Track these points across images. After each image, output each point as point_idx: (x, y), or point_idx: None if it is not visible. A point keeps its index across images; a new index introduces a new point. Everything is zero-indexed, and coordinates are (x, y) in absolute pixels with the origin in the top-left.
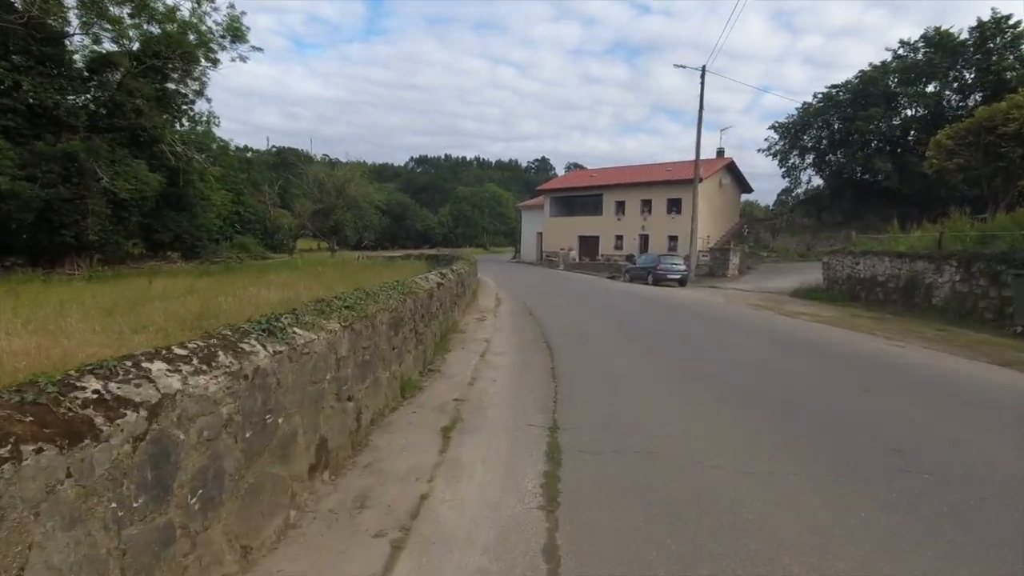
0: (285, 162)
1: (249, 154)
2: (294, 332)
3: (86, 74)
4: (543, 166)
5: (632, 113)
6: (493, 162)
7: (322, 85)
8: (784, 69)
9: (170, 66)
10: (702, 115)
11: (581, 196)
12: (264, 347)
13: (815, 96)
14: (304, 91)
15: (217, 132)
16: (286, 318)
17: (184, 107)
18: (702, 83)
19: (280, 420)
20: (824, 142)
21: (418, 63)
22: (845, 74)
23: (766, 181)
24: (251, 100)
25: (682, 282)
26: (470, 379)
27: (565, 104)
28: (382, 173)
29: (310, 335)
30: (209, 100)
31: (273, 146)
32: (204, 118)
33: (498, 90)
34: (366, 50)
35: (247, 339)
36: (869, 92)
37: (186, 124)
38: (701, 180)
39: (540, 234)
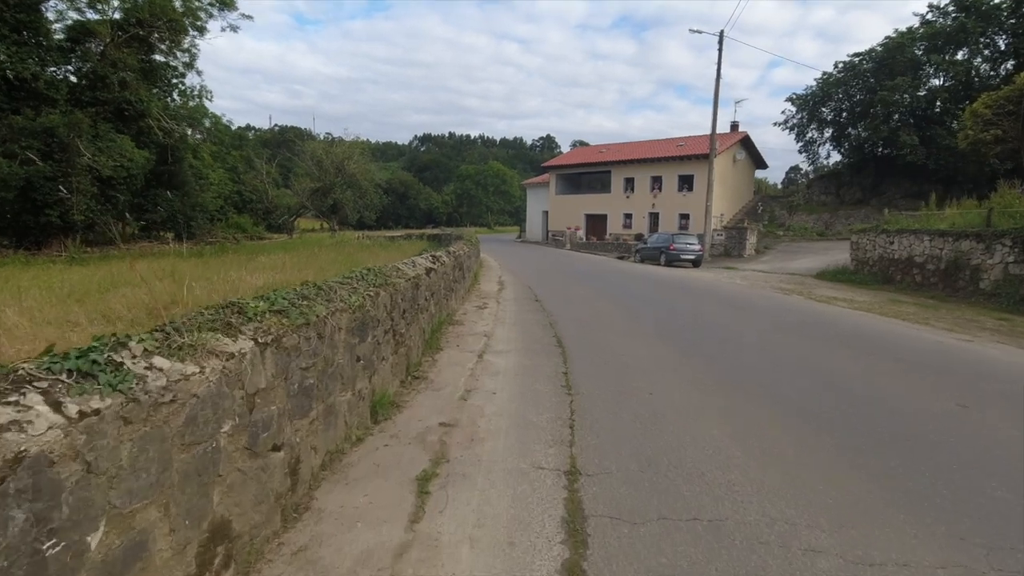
0: (286, 140)
1: (252, 134)
2: (146, 368)
3: (66, 44)
4: (548, 144)
5: (638, 90)
6: (497, 140)
7: (324, 62)
8: (794, 43)
9: (156, 36)
10: (719, 83)
11: (588, 173)
12: (59, 407)
13: (836, 65)
14: (307, 68)
15: (210, 107)
16: (139, 340)
17: (174, 81)
18: (720, 50)
19: (92, 537)
20: (844, 115)
21: (421, 39)
22: (856, 48)
23: (776, 158)
24: (253, 78)
25: (696, 263)
26: (463, 391)
27: (570, 81)
28: (386, 152)
29: (183, 368)
30: (200, 73)
31: (276, 124)
32: (196, 92)
33: (502, 66)
34: (369, 26)
35: (22, 393)
36: (895, 60)
37: (177, 99)
38: (716, 155)
39: (546, 213)
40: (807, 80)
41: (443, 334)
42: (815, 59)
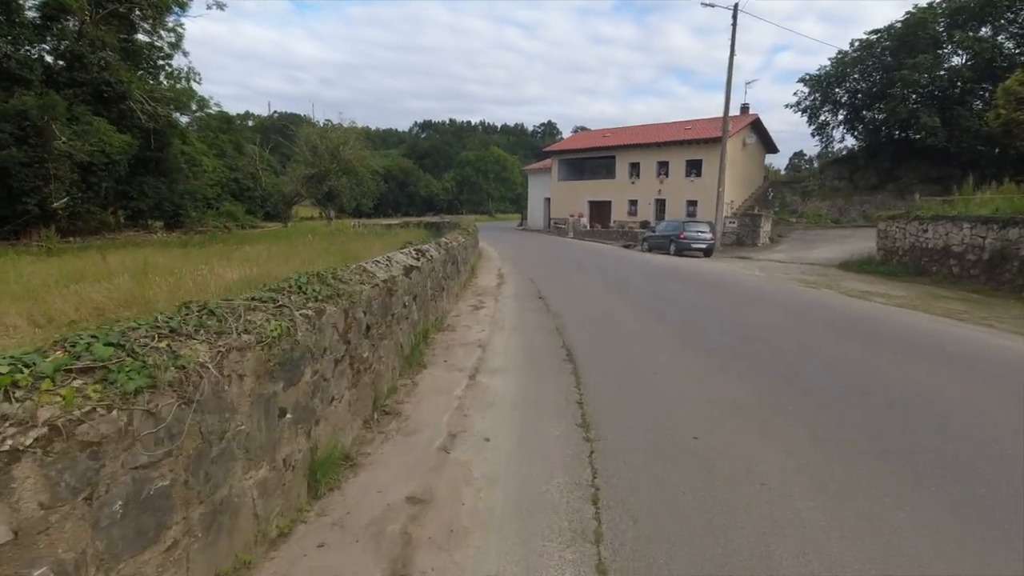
0: (284, 127)
1: (251, 121)
2: None
3: (39, 22)
4: (549, 130)
5: (641, 75)
6: (499, 127)
7: (324, 48)
8: (800, 27)
9: (137, 13)
10: (733, 60)
11: (592, 158)
12: None
13: (852, 44)
14: (306, 54)
15: (200, 90)
16: None
17: (160, 62)
18: (734, 24)
19: None
20: (860, 96)
21: (421, 24)
22: (862, 31)
23: (780, 143)
24: (251, 64)
25: (708, 252)
26: (446, 435)
27: (572, 66)
28: (386, 139)
29: None
30: (187, 54)
31: (275, 111)
32: (183, 74)
33: (504, 51)
34: (368, 11)
35: None
36: (917, 37)
37: (164, 81)
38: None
39: (548, 200)
40: (812, 65)
41: (429, 345)
42: (817, 44)
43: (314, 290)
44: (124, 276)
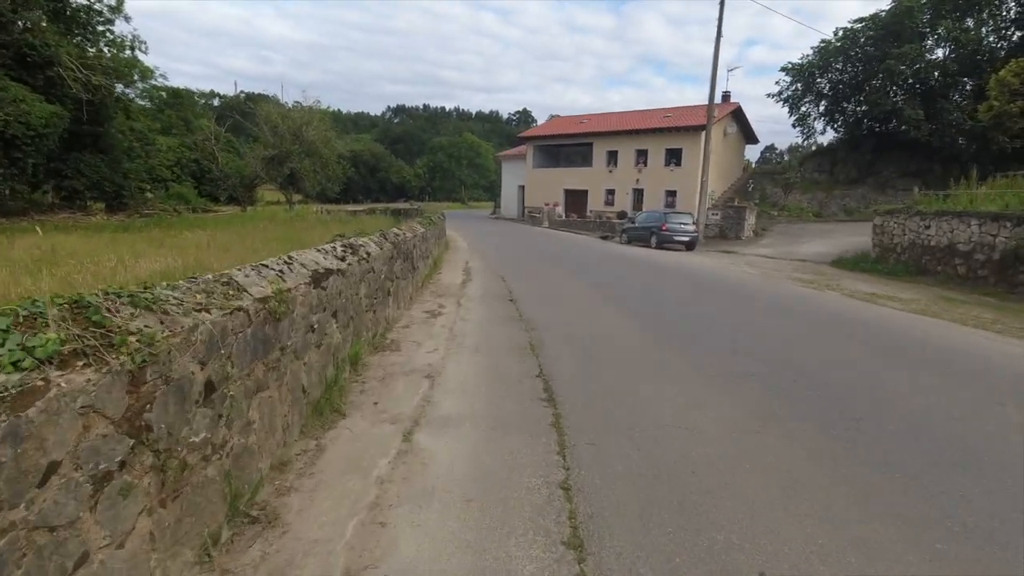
0: (247, 106)
1: (217, 100)
2: None
3: None
4: (524, 118)
5: (617, 65)
6: (473, 113)
7: (294, 27)
8: (771, 20)
9: None
10: (720, 40)
11: (568, 145)
12: None
13: (836, 33)
14: (276, 34)
15: (146, 60)
16: None
17: (100, 28)
18: (722, 2)
19: None
20: (842, 87)
21: (395, 5)
22: (830, 26)
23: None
24: (219, 41)
25: (690, 245)
26: None
27: (548, 54)
28: (358, 122)
29: None
30: (129, 19)
31: (242, 91)
32: (127, 42)
33: (479, 37)
34: None
35: None
36: (903, 26)
37: (104, 49)
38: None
39: (522, 187)
40: (783, 60)
41: (359, 374)
42: (790, 38)
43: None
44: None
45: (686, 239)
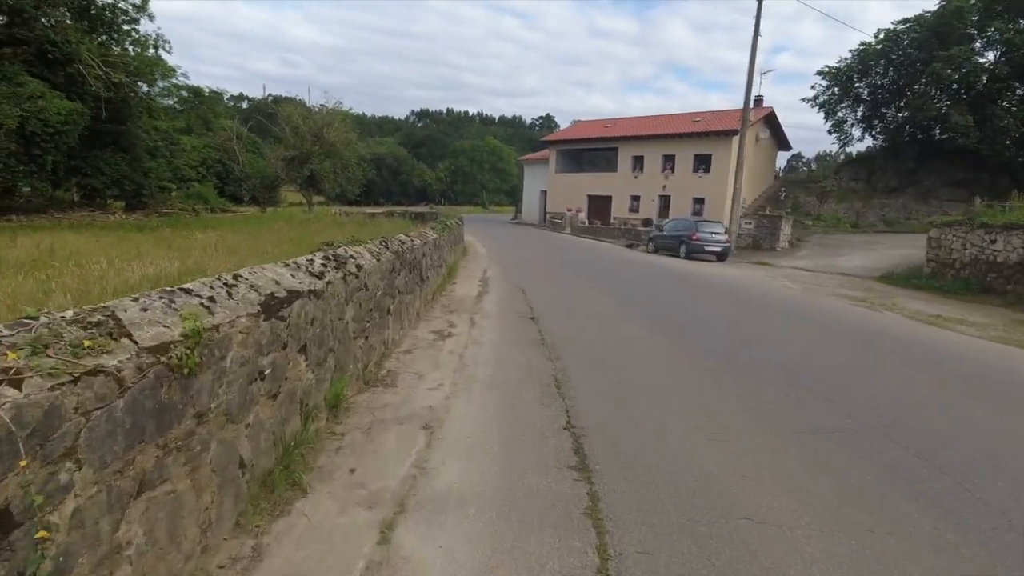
0: (268, 108)
1: (245, 103)
2: None
3: None
4: (547, 123)
5: (639, 70)
6: (496, 118)
7: (319, 31)
8: (799, 28)
9: None
10: (758, 30)
11: (592, 149)
12: None
13: (876, 35)
14: (300, 37)
15: (169, 60)
16: None
17: (125, 27)
18: None
19: None
20: (882, 91)
21: (417, 10)
22: (860, 35)
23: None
24: (244, 45)
25: (721, 256)
26: None
27: (570, 59)
28: (382, 126)
29: None
30: (152, 18)
31: (269, 94)
32: (151, 41)
33: (501, 41)
34: None
35: None
36: (951, 27)
37: (129, 48)
38: (737, 132)
39: (544, 192)
40: (812, 65)
41: (338, 421)
42: (819, 45)
43: None
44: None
45: (717, 249)
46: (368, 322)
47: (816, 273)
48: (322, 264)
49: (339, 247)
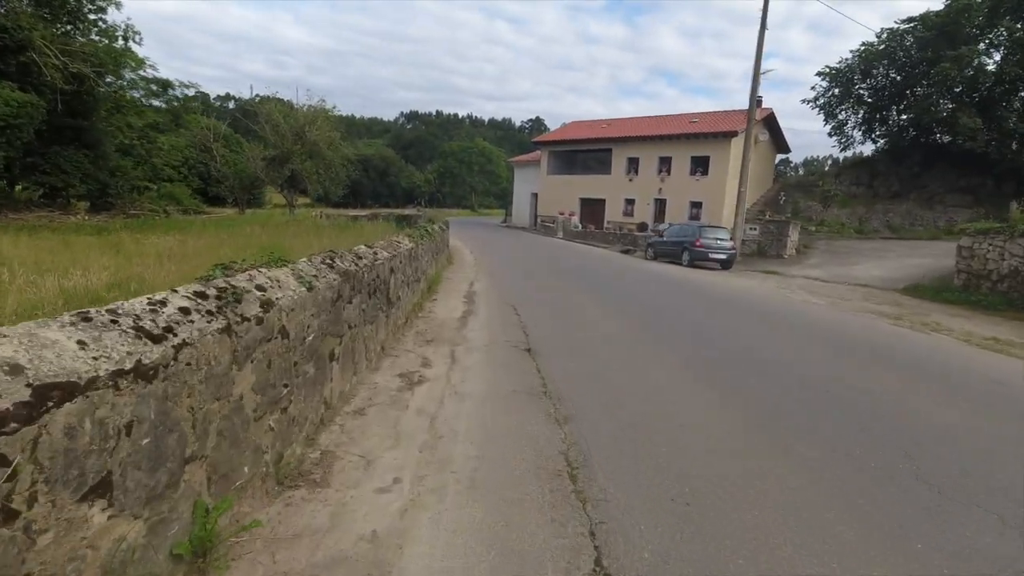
0: (250, 107)
1: (232, 103)
2: None
3: None
4: (537, 126)
5: (629, 75)
6: (486, 120)
7: (310, 33)
8: (787, 35)
9: None
10: (765, 23)
11: (586, 151)
12: None
13: (879, 34)
14: (292, 39)
15: (139, 52)
16: None
17: (91, 16)
18: None
19: None
20: (886, 93)
21: (410, 12)
22: (847, 43)
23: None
24: (237, 46)
25: (726, 264)
26: None
27: (561, 63)
28: (371, 128)
29: None
30: (119, 6)
31: (257, 94)
32: (119, 32)
33: (493, 45)
34: None
35: None
36: (959, 26)
37: (96, 39)
38: (736, 134)
39: (535, 195)
40: (800, 75)
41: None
42: (807, 52)
43: None
44: None
45: (723, 257)
46: (287, 385)
47: (833, 284)
48: (183, 308)
49: (241, 271)
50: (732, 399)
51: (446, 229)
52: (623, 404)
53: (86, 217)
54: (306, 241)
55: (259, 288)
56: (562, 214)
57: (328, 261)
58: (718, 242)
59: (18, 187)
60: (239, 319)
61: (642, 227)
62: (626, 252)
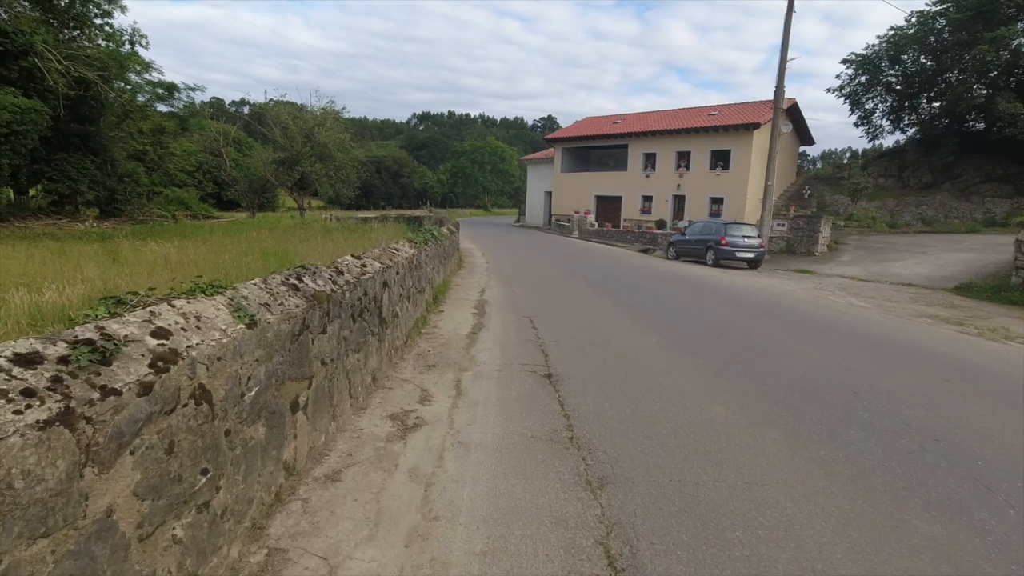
0: (259, 112)
1: (247, 108)
2: None
3: None
4: (549, 125)
5: (640, 71)
6: (498, 120)
7: (321, 36)
8: (800, 26)
9: None
10: (791, 13)
11: (601, 147)
12: None
13: (908, 18)
14: (303, 43)
15: (145, 55)
16: None
17: (98, 20)
18: None
19: None
20: (916, 80)
21: (419, 14)
22: (863, 32)
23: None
24: (249, 51)
25: (754, 263)
26: None
27: (571, 61)
28: (384, 129)
29: None
30: (124, 9)
31: (271, 99)
32: (126, 36)
33: (503, 44)
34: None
35: None
36: (996, 5)
37: (103, 44)
38: (759, 126)
39: (549, 194)
40: (814, 67)
41: None
42: (820, 43)
43: None
44: None
45: (751, 255)
46: (207, 471)
47: (875, 284)
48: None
49: (142, 305)
50: (834, 463)
51: (455, 231)
52: (672, 454)
53: (94, 224)
54: (314, 245)
55: (158, 334)
56: (578, 212)
57: (293, 281)
58: (745, 240)
59: (31, 192)
60: (99, 394)
61: (660, 224)
62: (645, 251)
